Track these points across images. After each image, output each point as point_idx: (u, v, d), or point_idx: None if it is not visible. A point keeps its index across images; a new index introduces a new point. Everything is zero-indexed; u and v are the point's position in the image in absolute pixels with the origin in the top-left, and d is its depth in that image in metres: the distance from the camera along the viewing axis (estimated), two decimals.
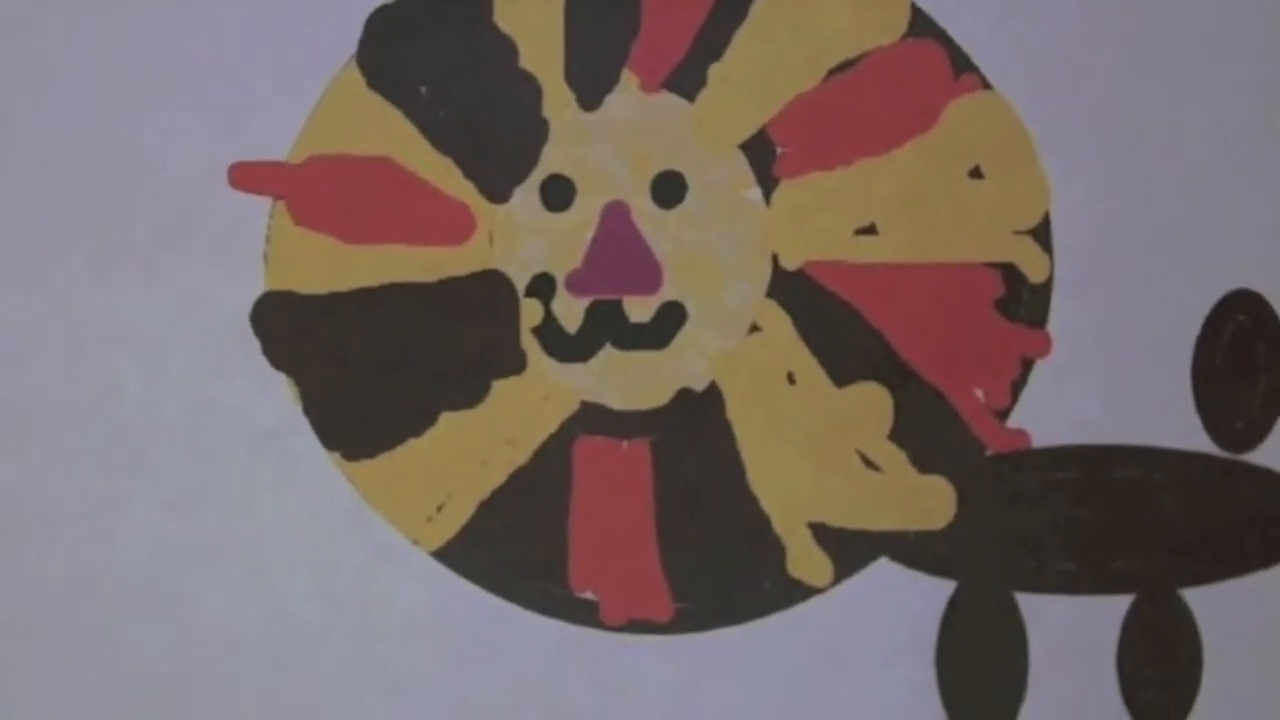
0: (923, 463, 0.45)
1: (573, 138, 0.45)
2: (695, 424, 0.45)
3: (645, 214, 0.45)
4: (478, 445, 0.45)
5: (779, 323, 0.45)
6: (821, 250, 0.45)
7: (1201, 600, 0.46)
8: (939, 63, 0.45)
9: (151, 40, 0.45)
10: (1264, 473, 0.45)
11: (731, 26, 0.45)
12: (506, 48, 0.45)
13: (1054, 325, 0.45)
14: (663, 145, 0.45)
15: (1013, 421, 0.45)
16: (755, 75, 0.45)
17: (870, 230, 0.45)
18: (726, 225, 0.45)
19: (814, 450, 0.45)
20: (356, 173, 0.45)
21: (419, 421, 0.45)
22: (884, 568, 0.46)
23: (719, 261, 0.45)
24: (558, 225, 0.45)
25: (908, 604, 0.46)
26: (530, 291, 0.45)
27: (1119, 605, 0.46)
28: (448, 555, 0.46)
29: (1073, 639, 0.46)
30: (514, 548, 0.45)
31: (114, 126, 0.45)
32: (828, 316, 0.45)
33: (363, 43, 0.45)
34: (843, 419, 0.45)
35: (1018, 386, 0.45)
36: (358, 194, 0.45)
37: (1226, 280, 0.45)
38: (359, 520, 0.45)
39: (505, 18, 0.45)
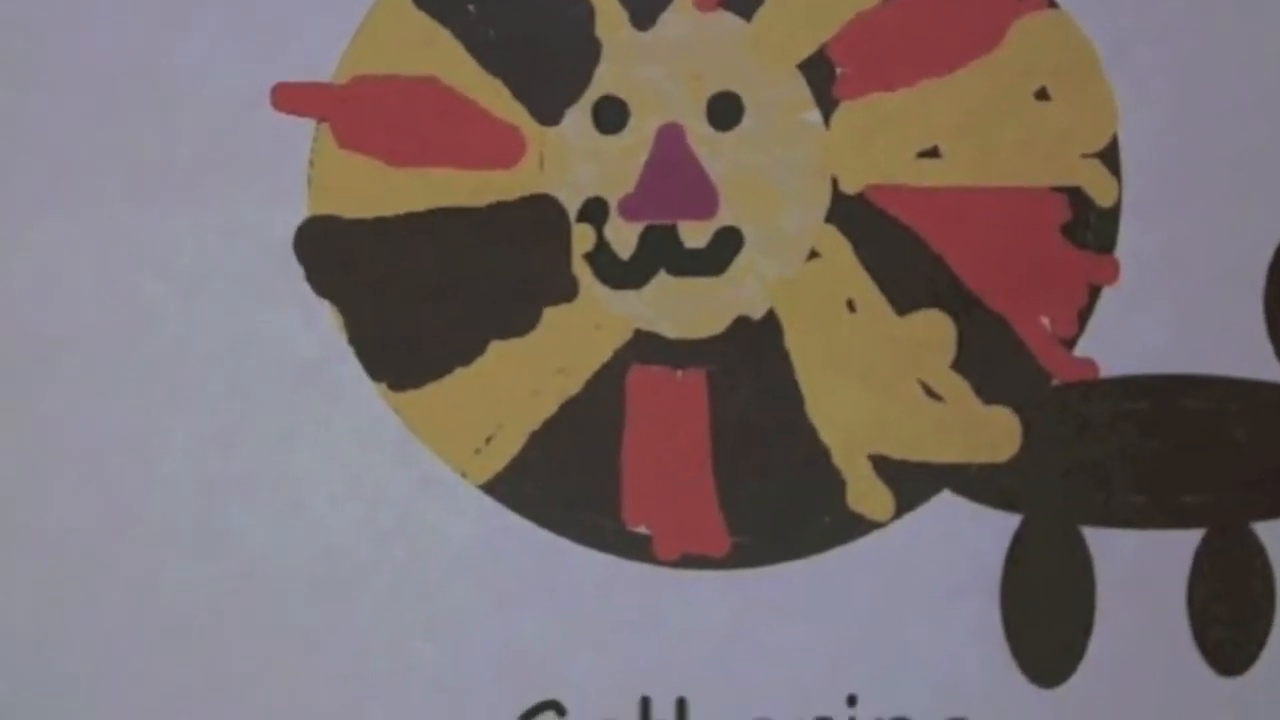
0: (987, 393, 0.44)
1: (626, 58, 0.44)
2: (752, 353, 0.44)
3: (701, 136, 0.44)
4: (528, 375, 0.44)
5: (839, 248, 0.44)
6: (882, 174, 0.44)
7: (1274, 534, 0.44)
8: None
9: None
10: None
11: None
12: None
13: (1122, 251, 0.44)
14: (719, 65, 0.44)
15: (1080, 350, 0.44)
16: None
17: (933, 153, 0.44)
18: (784, 148, 0.44)
19: (874, 380, 0.44)
20: (403, 94, 0.44)
21: (467, 350, 0.44)
22: (947, 501, 0.44)
23: (777, 185, 0.44)
24: (610, 148, 0.44)
25: (971, 538, 0.44)
26: (582, 216, 0.44)
27: (1189, 539, 0.44)
28: (496, 488, 0.44)
29: (1141, 574, 0.44)
30: (565, 480, 0.44)
31: (152, 47, 0.44)
32: (889, 242, 0.44)
33: None
34: (904, 348, 0.44)
35: (1085, 314, 0.44)
36: (404, 116, 0.44)
37: None
38: (405, 452, 0.44)
39: None
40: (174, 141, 0.44)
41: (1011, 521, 0.44)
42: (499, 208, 0.44)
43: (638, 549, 0.44)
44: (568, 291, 0.44)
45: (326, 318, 0.44)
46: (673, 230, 0.44)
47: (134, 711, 0.44)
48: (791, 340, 0.44)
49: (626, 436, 0.44)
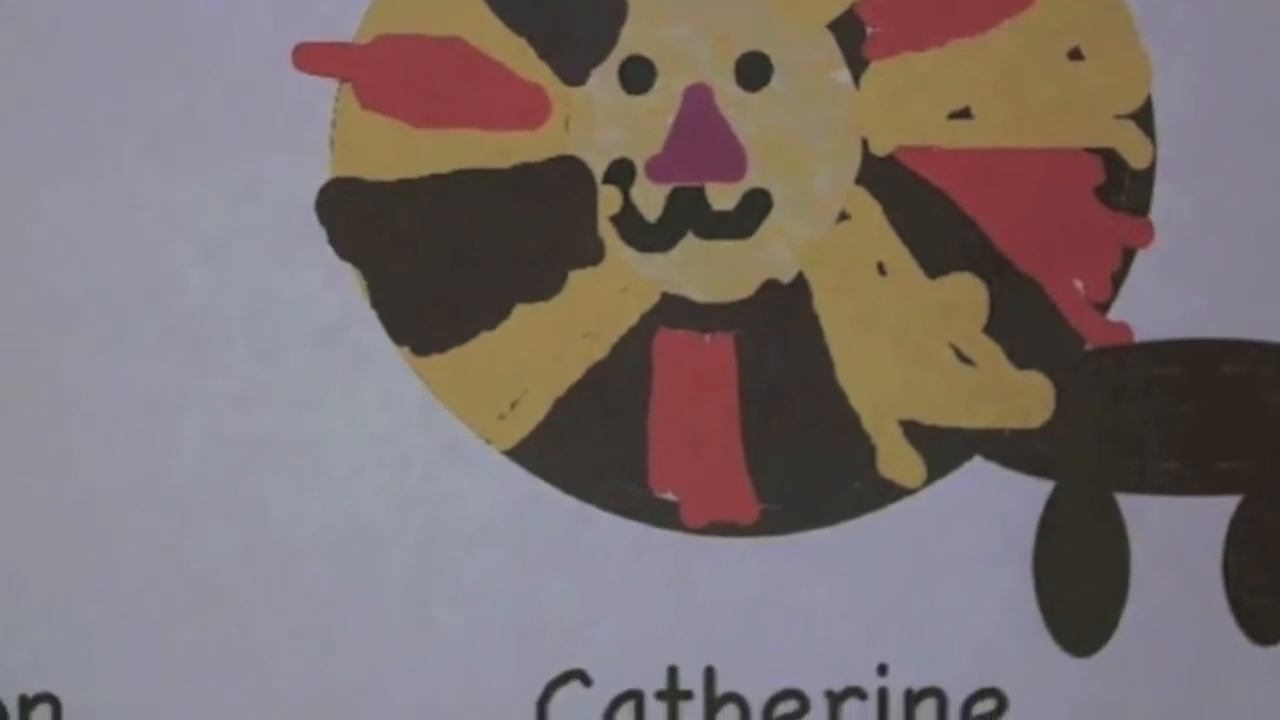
0: (1019, 357, 0.44)
1: (653, 17, 0.43)
2: (781, 317, 0.44)
3: (729, 97, 0.43)
4: (553, 339, 0.44)
5: (869, 211, 0.43)
6: (913, 135, 0.43)
7: None
8: None
9: None
10: None
11: None
12: None
13: (1157, 214, 0.44)
14: (747, 25, 0.43)
15: (1113, 314, 0.44)
16: None
17: (964, 114, 0.43)
18: (814, 109, 0.43)
19: (905, 344, 0.44)
20: (427, 53, 0.43)
21: (492, 314, 0.43)
22: (979, 467, 0.44)
23: (806, 147, 0.43)
24: (637, 108, 0.43)
25: (1003, 505, 0.44)
26: (608, 178, 0.43)
27: (1225, 506, 0.44)
28: (522, 454, 0.44)
29: (1176, 541, 0.44)
30: (591, 446, 0.44)
31: (172, 6, 0.43)
32: (920, 204, 0.43)
33: None
34: (935, 311, 0.44)
35: (1119, 278, 0.44)
36: (428, 76, 0.43)
37: None
38: (429, 417, 0.44)
39: None
40: (194, 102, 0.43)
41: (1044, 488, 0.44)
42: (524, 169, 0.43)
43: (665, 516, 0.44)
44: (593, 254, 0.43)
45: (349, 281, 0.43)
46: (700, 192, 0.43)
47: (154, 677, 0.44)
48: (821, 304, 0.44)
49: (653, 402, 0.44)
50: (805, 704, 0.44)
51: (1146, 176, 0.43)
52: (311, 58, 0.43)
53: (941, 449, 0.44)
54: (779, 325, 0.44)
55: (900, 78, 0.43)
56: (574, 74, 0.43)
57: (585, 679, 0.44)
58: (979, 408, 0.44)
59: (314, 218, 0.43)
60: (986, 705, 0.44)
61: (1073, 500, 0.44)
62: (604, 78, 0.43)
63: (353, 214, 0.43)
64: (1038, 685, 0.44)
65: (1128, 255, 0.44)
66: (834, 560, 0.44)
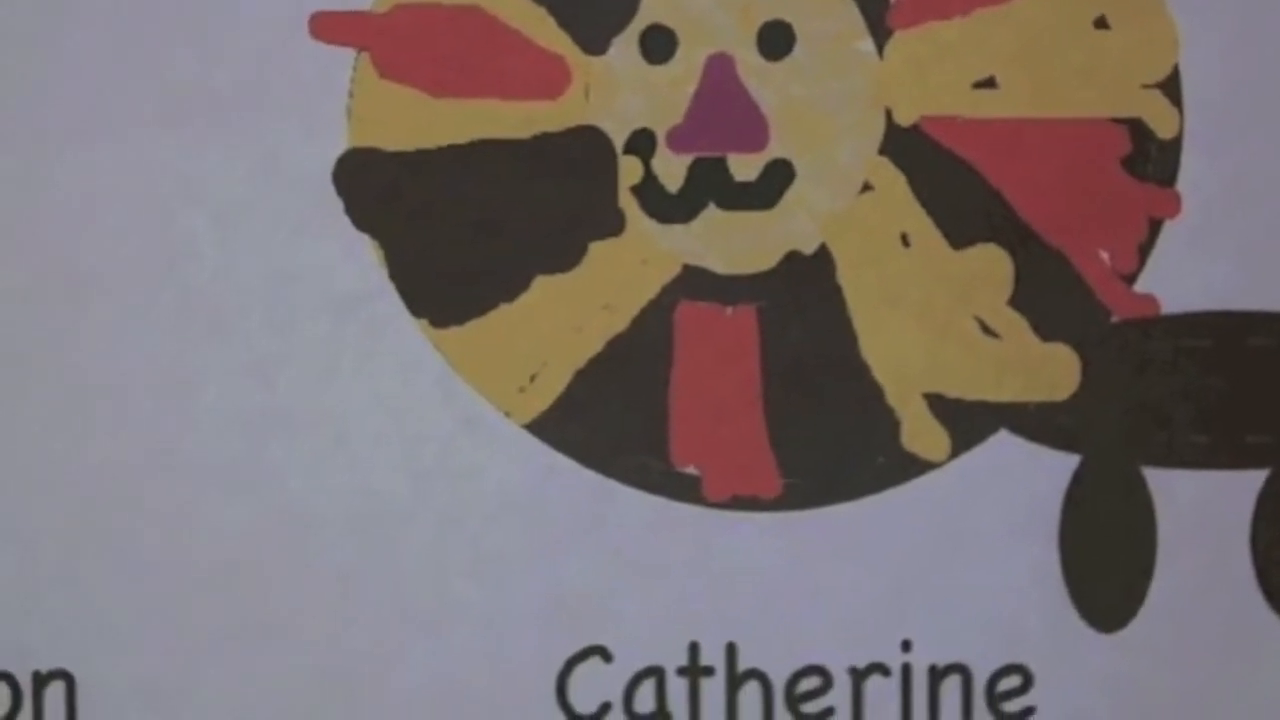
0: (1045, 330, 0.43)
1: None
2: (804, 289, 0.43)
3: (751, 66, 0.43)
4: (573, 311, 0.43)
5: (893, 181, 0.43)
6: (938, 105, 0.43)
7: None
8: None
9: None
10: None
11: None
12: None
13: (1184, 184, 0.43)
14: None
15: (1140, 286, 0.43)
16: None
17: (989, 84, 0.43)
18: (837, 78, 0.43)
19: (929, 317, 0.43)
20: (445, 22, 0.42)
21: (511, 286, 0.43)
22: (1004, 441, 0.43)
23: (829, 117, 0.43)
24: (658, 78, 0.43)
25: (1029, 479, 0.43)
26: (629, 148, 0.43)
27: (1253, 480, 0.43)
28: (541, 427, 0.43)
29: (1204, 516, 0.43)
30: (611, 420, 0.43)
31: None
32: (944, 175, 0.43)
33: None
34: (960, 283, 0.43)
35: (1145, 249, 0.43)
36: (446, 45, 0.43)
37: None
38: (447, 391, 0.43)
39: None
40: (210, 70, 0.42)
41: (1070, 462, 0.43)
42: (543, 139, 0.43)
43: (686, 490, 0.43)
44: (614, 225, 0.43)
45: (366, 252, 0.43)
46: (722, 163, 0.43)
47: (169, 652, 0.43)
48: (844, 276, 0.43)
49: (675, 375, 0.43)
50: (828, 680, 0.44)
51: (1173, 146, 0.43)
52: (329, 27, 0.42)
53: (966, 422, 0.43)
54: (802, 297, 0.43)
55: (924, 47, 0.43)
56: (594, 43, 0.43)
57: (606, 655, 0.44)
58: (1004, 381, 0.43)
59: (331, 188, 0.43)
60: (1012, 681, 0.44)
61: (1099, 474, 0.43)
62: (624, 47, 0.43)
63: (370, 185, 0.43)
64: (1063, 661, 0.44)
65: (1154, 226, 0.43)
66: (857, 535, 0.43)
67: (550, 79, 0.43)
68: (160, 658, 0.43)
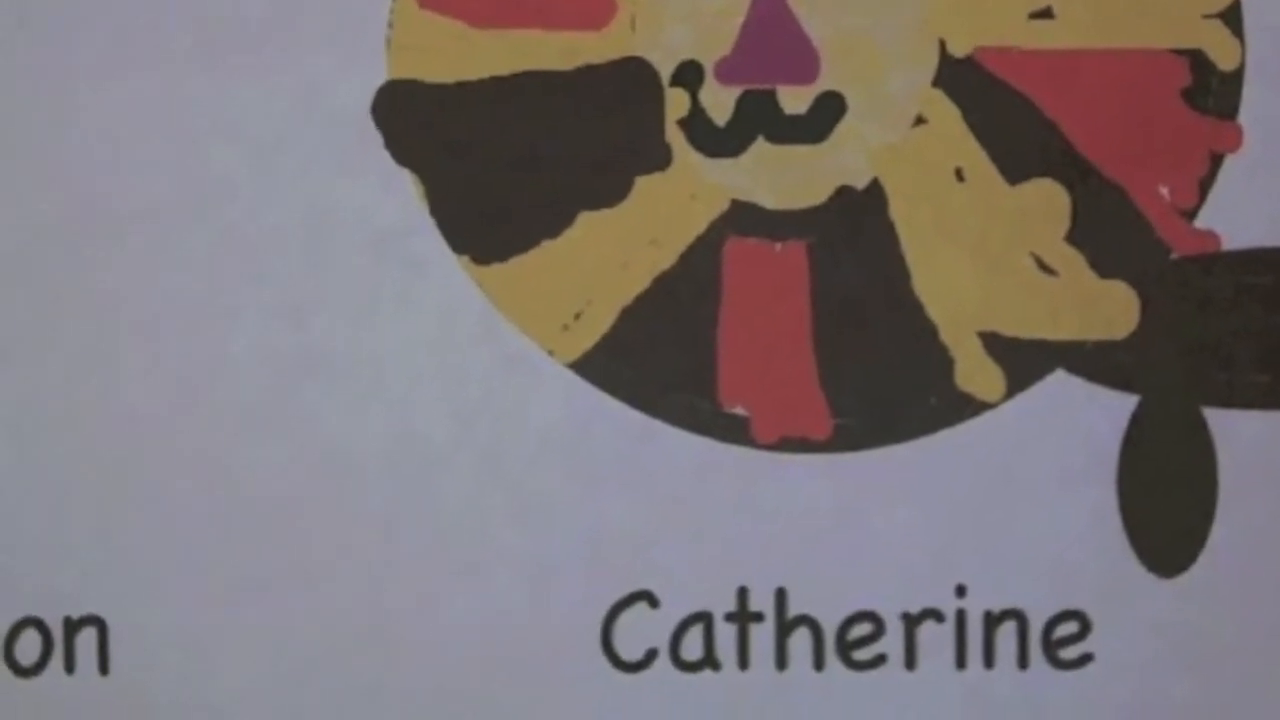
0: (1103, 266, 0.42)
1: None
2: (855, 224, 0.42)
3: None
4: (619, 247, 0.42)
5: (947, 114, 0.42)
6: (993, 36, 0.42)
7: None
8: None
9: None
10: None
11: None
12: None
13: (1245, 117, 0.42)
14: None
15: (1201, 221, 0.42)
16: None
17: (1046, 14, 0.42)
18: (889, 8, 0.42)
19: (984, 253, 0.42)
20: None
21: (555, 221, 0.42)
22: (1061, 380, 0.42)
23: (881, 48, 0.42)
24: (705, 8, 0.42)
25: (1086, 420, 0.42)
26: (676, 80, 0.42)
27: None
28: (586, 366, 0.42)
29: (1266, 457, 0.42)
30: (658, 358, 0.42)
31: None
32: (1000, 107, 0.42)
33: None
34: (1016, 219, 0.42)
35: (1206, 184, 0.42)
36: None
37: None
38: (489, 329, 0.42)
39: None
40: (245, 1, 0.42)
41: (1129, 402, 0.42)
42: (588, 71, 0.42)
43: (735, 431, 0.42)
44: (660, 160, 0.42)
45: (406, 187, 0.42)
46: (771, 95, 0.42)
47: (203, 599, 0.42)
48: (897, 211, 0.42)
49: (723, 312, 0.42)
50: (880, 626, 0.43)
51: (1235, 78, 0.42)
52: None
53: (1022, 361, 0.42)
54: (853, 233, 0.42)
55: None
56: None
57: (652, 600, 0.42)
58: (1061, 319, 0.42)
59: (370, 122, 0.42)
60: (1069, 628, 0.43)
61: (1159, 415, 0.42)
62: None
63: (410, 118, 0.42)
64: (1122, 607, 0.42)
65: (1215, 160, 0.42)
66: (910, 477, 0.42)
67: (595, 9, 0.42)
68: (193, 603, 0.42)
